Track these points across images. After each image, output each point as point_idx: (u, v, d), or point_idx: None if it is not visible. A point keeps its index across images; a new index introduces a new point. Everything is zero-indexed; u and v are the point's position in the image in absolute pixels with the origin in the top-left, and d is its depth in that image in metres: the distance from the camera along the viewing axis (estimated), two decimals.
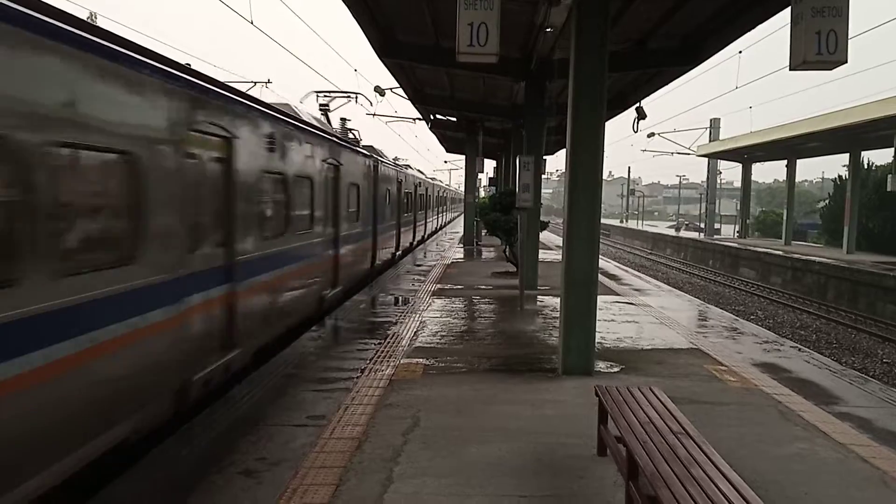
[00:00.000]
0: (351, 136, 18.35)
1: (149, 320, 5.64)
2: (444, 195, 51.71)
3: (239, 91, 8.15)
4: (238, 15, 14.54)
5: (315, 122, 13.08)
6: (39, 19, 4.42)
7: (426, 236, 34.09)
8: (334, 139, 13.24)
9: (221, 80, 7.66)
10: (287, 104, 11.65)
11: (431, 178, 45.77)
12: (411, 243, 27.30)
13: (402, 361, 8.96)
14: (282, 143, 9.39)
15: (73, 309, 4.65)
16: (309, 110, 14.82)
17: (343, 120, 19.93)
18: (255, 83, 35.07)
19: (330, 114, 19.13)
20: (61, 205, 4.59)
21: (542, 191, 20.96)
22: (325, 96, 20.04)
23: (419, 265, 22.26)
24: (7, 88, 4.13)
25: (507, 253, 19.68)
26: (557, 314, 9.50)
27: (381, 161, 19.20)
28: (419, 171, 37.12)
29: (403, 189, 24.09)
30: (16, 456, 4.18)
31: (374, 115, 39.13)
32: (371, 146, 19.98)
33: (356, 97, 20.53)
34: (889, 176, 29.59)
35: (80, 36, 4.83)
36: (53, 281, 4.46)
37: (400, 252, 23.78)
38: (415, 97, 22.01)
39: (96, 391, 4.96)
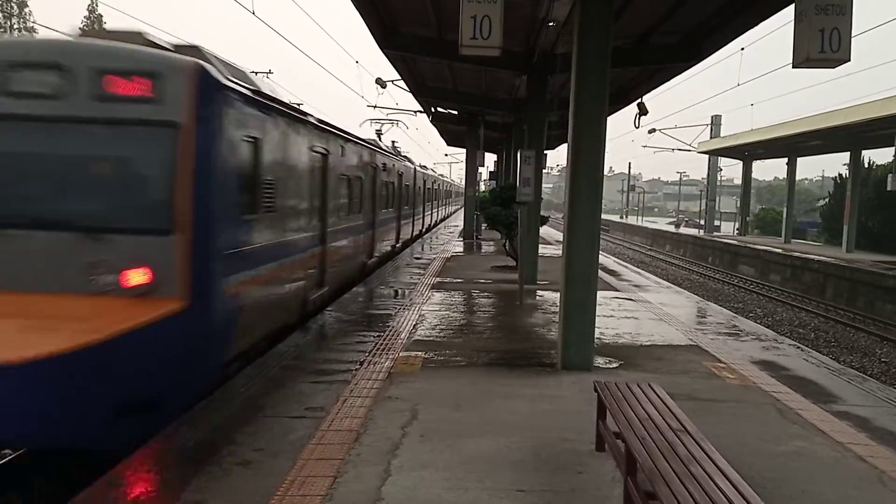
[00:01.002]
0: (393, 148, 24.49)
1: (297, 259, 9.83)
2: (451, 189, 54.64)
3: (328, 122, 12.07)
4: (240, 5, 14.54)
5: (368, 141, 17.43)
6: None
7: (434, 223, 38.68)
8: (379, 150, 17.59)
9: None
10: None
11: (441, 175, 50.84)
12: (421, 231, 30.99)
13: (401, 354, 8.96)
14: (349, 154, 13.52)
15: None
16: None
17: (378, 133, 28.54)
18: (257, 73, 35.12)
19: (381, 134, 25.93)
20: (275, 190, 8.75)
21: (543, 185, 20.97)
22: (377, 122, 31.15)
23: (418, 258, 22.24)
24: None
25: (506, 247, 19.67)
26: (557, 309, 9.50)
27: (410, 165, 25.32)
28: (432, 170, 43.88)
29: (426, 186, 29.63)
30: (258, 317, 8.17)
31: (374, 106, 39.01)
32: (407, 156, 26.43)
33: (397, 123, 28.11)
34: (889, 175, 29.63)
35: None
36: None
37: (416, 233, 28.39)
38: (416, 90, 21.99)
39: (287, 290, 9.47)
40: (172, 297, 6.23)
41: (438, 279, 16.70)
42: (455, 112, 28.36)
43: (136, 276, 6.18)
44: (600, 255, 10.31)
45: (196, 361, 6.61)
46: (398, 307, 12.58)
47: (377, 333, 10.21)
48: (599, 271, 9.58)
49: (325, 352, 9.08)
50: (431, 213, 37.42)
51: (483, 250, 25.99)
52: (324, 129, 11.49)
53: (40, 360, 5.48)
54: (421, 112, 30.05)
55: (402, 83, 21.93)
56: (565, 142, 8.86)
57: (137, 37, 7.01)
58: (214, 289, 6.79)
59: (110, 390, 5.86)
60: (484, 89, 21.49)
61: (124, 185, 6.47)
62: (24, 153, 6.41)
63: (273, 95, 8.92)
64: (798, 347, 10.89)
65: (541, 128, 16.25)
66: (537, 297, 14.37)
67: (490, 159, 46.37)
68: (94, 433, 5.89)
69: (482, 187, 36.01)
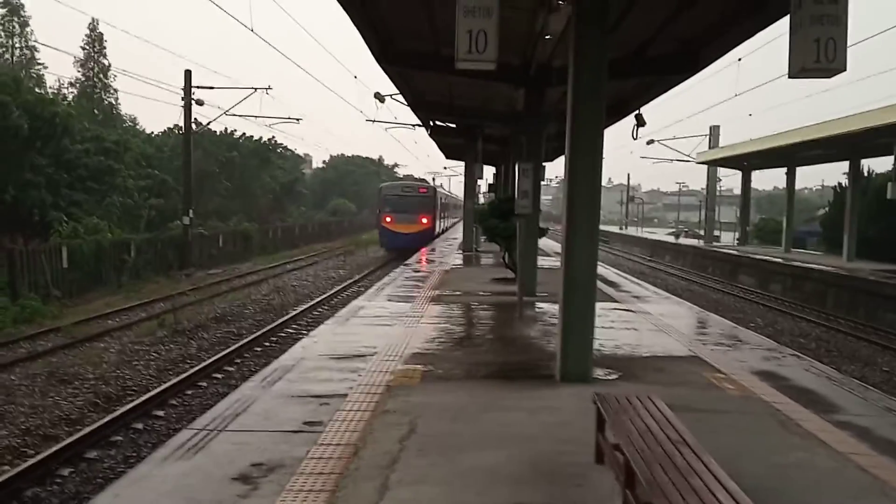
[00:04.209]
0: (438, 185, 55.11)
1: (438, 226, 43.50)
2: (455, 203, 62.40)
3: (438, 186, 49.58)
4: (239, 22, 14.61)
5: (434, 185, 48.75)
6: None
7: (444, 228, 53.66)
8: (438, 190, 45.75)
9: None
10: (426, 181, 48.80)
11: (450, 193, 66.47)
12: (443, 228, 51.53)
13: (399, 367, 8.94)
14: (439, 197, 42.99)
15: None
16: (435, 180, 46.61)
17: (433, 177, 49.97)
18: (256, 89, 35.08)
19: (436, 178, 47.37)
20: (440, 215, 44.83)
21: (542, 197, 21.02)
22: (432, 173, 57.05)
23: (417, 272, 22.25)
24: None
25: (505, 259, 19.66)
26: (556, 321, 9.49)
27: (441, 191, 49.55)
28: (444, 188, 63.72)
29: (443, 202, 49.73)
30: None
31: (373, 121, 39.14)
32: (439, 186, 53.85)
33: (443, 170, 51.36)
34: (889, 183, 29.59)
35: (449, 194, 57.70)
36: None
37: (440, 231, 47.29)
38: (414, 104, 22.04)
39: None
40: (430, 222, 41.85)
41: (437, 292, 16.69)
42: (453, 125, 28.41)
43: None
44: (599, 267, 10.31)
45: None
46: (396, 321, 12.57)
47: (375, 347, 10.19)
48: (599, 282, 9.57)
49: (322, 364, 9.07)
50: (445, 219, 53.76)
51: (482, 263, 25.98)
52: (437, 191, 43.46)
53: None
54: (419, 126, 30.11)
55: (400, 97, 22.00)
56: (563, 153, 8.86)
57: (422, 181, 30.90)
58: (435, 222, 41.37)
59: None
60: (481, 102, 21.53)
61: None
62: None
63: (437, 188, 44.19)
64: (799, 357, 10.87)
65: (539, 140, 16.28)
66: (536, 309, 14.37)
67: (489, 172, 46.44)
68: None
69: (481, 199, 36.09)
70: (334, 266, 37.82)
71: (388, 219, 41.70)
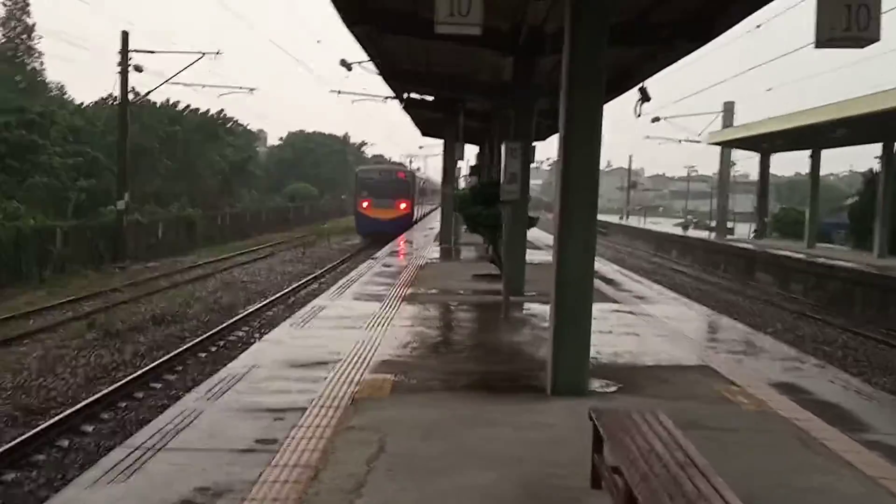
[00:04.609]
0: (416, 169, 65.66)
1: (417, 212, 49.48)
2: (435, 188, 65.20)
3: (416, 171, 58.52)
4: None
5: (412, 170, 57.00)
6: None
7: (422, 215, 57.67)
8: (413, 173, 51.72)
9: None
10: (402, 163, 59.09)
11: (426, 177, 70.84)
12: (420, 216, 55.21)
13: (366, 377, 8.93)
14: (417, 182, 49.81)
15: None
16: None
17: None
18: (204, 54, 34.80)
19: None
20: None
21: (531, 182, 21.02)
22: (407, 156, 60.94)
23: (388, 266, 22.23)
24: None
25: (489, 253, 19.69)
26: (547, 324, 9.51)
27: (419, 176, 57.39)
28: (420, 171, 68.90)
29: (420, 187, 54.96)
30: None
31: (338, 92, 38.98)
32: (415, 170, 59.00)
33: (419, 149, 71.86)
34: None
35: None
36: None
37: (418, 218, 51.69)
38: (386, 72, 21.95)
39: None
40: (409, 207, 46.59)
41: (411, 290, 16.69)
42: (431, 98, 28.36)
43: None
44: (597, 262, 10.34)
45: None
46: (364, 323, 12.55)
47: (339, 353, 10.17)
48: (596, 280, 9.60)
49: (279, 373, 9.03)
50: (422, 206, 57.25)
51: (462, 256, 26.00)
52: (415, 175, 51.54)
53: None
54: (392, 98, 30.03)
55: (370, 65, 21.91)
56: (556, 132, 8.87)
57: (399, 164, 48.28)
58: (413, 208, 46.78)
59: None
60: (464, 72, 21.49)
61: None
62: None
63: (414, 172, 53.08)
64: (823, 367, 10.97)
65: (529, 116, 16.29)
66: (524, 311, 14.38)
67: (471, 152, 46.39)
68: None
69: (462, 184, 36.10)
70: (292, 259, 37.68)
71: (364, 204, 45.49)
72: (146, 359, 15.66)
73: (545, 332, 10.71)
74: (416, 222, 49.06)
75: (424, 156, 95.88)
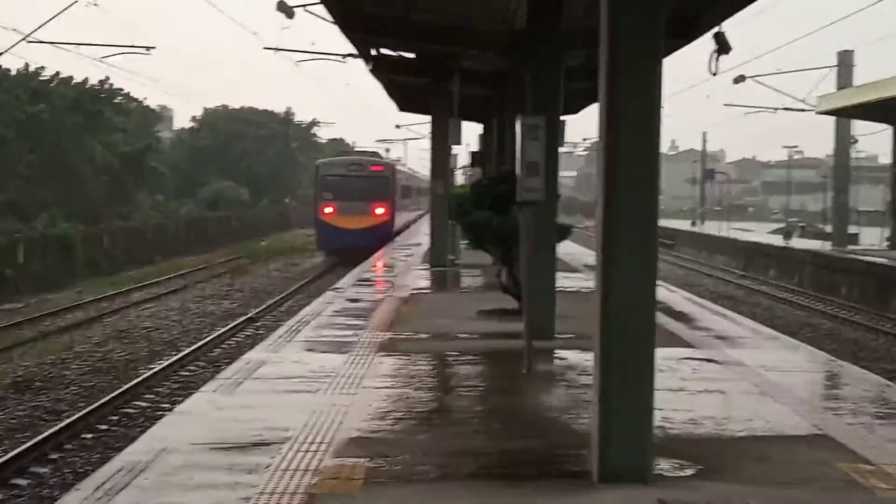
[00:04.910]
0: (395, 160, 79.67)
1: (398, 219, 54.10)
2: (421, 186, 69.43)
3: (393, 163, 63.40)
4: None
5: (388, 160, 64.40)
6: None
7: (407, 224, 62.10)
8: (392, 167, 55.97)
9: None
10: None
11: (413, 171, 77.61)
12: (403, 225, 58.24)
13: (328, 463, 8.90)
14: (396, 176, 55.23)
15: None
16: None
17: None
18: None
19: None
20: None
21: (561, 174, 20.84)
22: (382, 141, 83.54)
23: (356, 300, 22.20)
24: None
25: (502, 278, 19.66)
26: (589, 381, 9.50)
27: (400, 171, 61.32)
28: (401, 163, 76.72)
29: (403, 185, 59.78)
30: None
31: (275, 49, 39.17)
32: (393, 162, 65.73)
33: (395, 129, 71.23)
34: None
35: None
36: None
37: (399, 227, 54.39)
38: (345, 18, 21.97)
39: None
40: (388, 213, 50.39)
41: (389, 335, 16.65)
42: (411, 55, 28.44)
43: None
44: (661, 288, 10.36)
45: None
46: (322, 384, 12.51)
47: (288, 429, 10.15)
48: (661, 314, 9.62)
49: (207, 460, 9.01)
50: (405, 211, 61.57)
51: (463, 284, 26.05)
52: (396, 169, 57.36)
53: None
54: (354, 56, 30.09)
55: (322, 10, 21.99)
56: (594, 101, 8.90)
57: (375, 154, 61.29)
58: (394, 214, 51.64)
59: None
60: (458, 16, 21.58)
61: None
62: None
63: (393, 165, 58.85)
64: None
65: (554, 78, 16.30)
66: (556, 361, 14.38)
67: (472, 133, 46.50)
68: None
69: (459, 179, 36.17)
70: (215, 294, 37.70)
71: (328, 209, 46.65)
72: (4, 443, 15.61)
73: (587, 392, 10.73)
74: (397, 233, 49.89)
75: (403, 139, 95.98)
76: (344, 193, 46.88)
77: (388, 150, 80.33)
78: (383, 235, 45.73)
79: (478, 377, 13.57)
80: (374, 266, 33.06)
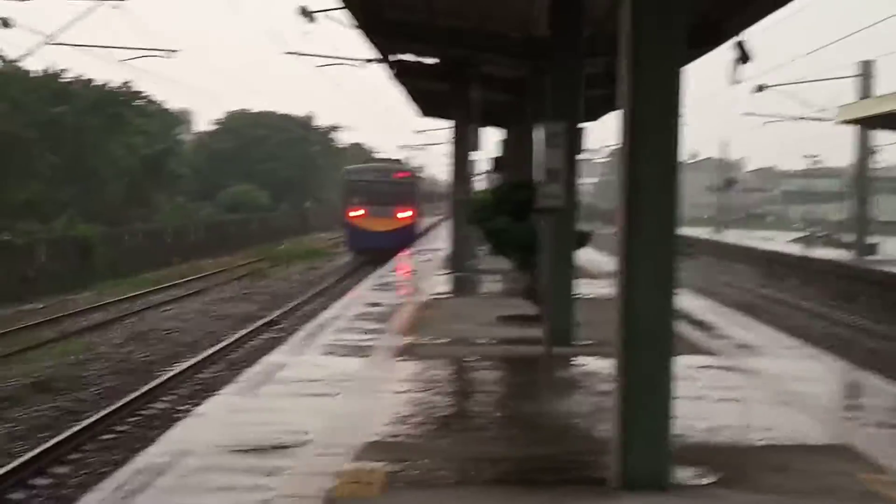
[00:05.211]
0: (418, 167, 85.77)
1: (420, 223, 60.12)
2: (441, 191, 77.99)
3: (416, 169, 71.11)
4: None
5: (412, 167, 71.25)
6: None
7: (427, 229, 65.95)
8: (416, 174, 62.80)
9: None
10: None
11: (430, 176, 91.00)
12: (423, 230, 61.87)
13: (347, 467, 8.92)
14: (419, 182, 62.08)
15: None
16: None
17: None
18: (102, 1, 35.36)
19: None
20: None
21: (581, 180, 20.85)
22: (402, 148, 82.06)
23: (376, 304, 22.23)
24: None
25: (522, 284, 19.68)
26: (609, 387, 9.50)
27: (423, 178, 74.01)
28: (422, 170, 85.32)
29: (422, 189, 64.76)
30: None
31: (297, 54, 39.24)
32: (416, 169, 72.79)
33: (416, 135, 63.59)
34: None
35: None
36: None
37: (420, 225, 58.41)
38: (367, 24, 22.02)
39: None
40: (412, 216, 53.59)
41: (410, 339, 16.68)
42: (433, 61, 28.46)
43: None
44: (680, 296, 10.35)
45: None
46: (341, 388, 12.56)
47: (307, 432, 10.18)
48: (680, 322, 9.62)
49: (221, 462, 9.04)
50: (424, 216, 66.12)
51: (483, 290, 26.02)
52: (419, 176, 64.29)
53: None
54: (376, 61, 30.13)
55: (343, 15, 22.00)
56: (615, 108, 8.90)
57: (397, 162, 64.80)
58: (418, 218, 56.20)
59: None
60: (480, 21, 21.59)
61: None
62: None
63: (416, 172, 64.58)
64: None
65: (574, 84, 16.32)
66: (575, 368, 14.37)
67: (492, 138, 46.56)
68: None
69: (479, 185, 36.17)
70: (235, 296, 37.82)
71: (357, 212, 50.92)
72: (25, 443, 15.67)
73: (607, 399, 10.71)
74: (419, 236, 53.42)
75: (423, 145, 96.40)
76: (371, 198, 50.39)
77: (408, 159, 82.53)
78: (407, 237, 48.66)
79: (497, 383, 13.59)
80: (395, 270, 33.11)
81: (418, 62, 28.41)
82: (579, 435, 10.47)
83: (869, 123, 48.24)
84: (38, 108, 50.10)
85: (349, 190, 52.24)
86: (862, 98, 48.71)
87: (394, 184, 52.23)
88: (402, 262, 36.04)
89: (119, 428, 16.75)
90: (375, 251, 45.55)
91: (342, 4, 20.52)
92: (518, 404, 12.01)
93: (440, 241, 44.64)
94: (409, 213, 51.42)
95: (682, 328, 13.06)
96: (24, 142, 47.08)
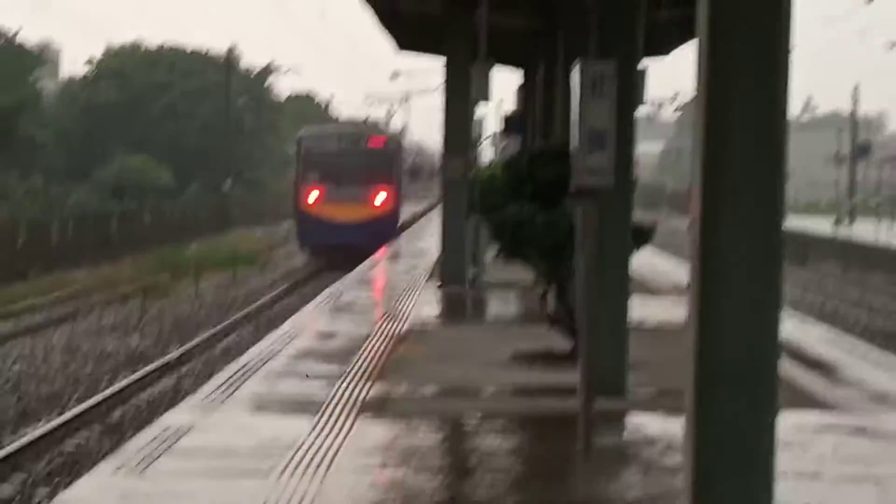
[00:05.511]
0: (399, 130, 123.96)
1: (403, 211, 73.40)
2: (431, 166, 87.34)
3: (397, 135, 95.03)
4: None
5: (391, 131, 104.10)
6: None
7: (412, 219, 70.77)
8: (398, 140, 76.33)
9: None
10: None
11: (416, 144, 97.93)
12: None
13: None
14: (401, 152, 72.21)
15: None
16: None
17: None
18: None
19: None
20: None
21: (640, 148, 20.66)
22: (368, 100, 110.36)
23: (330, 335, 22.23)
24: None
25: (549, 305, 19.65)
26: (677, 461, 9.48)
27: (406, 146, 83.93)
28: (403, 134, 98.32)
29: (411, 164, 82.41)
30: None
31: None
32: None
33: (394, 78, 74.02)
34: None
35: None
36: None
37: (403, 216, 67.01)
38: None
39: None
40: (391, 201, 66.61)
41: (381, 389, 16.69)
42: None
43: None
44: (787, 321, 10.30)
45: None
46: (272, 465, 12.50)
47: None
48: (786, 361, 9.58)
49: None
50: (410, 199, 72.76)
51: (490, 313, 26.13)
52: (400, 145, 72.75)
53: None
54: None
55: None
56: (688, 38, 8.85)
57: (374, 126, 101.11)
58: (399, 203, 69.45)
59: None
60: None
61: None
62: None
63: (396, 138, 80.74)
64: None
65: (632, 4, 16.34)
66: (627, 433, 14.40)
67: (507, 86, 46.73)
68: None
69: (484, 154, 36.30)
70: (118, 325, 37.96)
71: (313, 195, 51.75)
72: None
73: (676, 481, 10.67)
74: (402, 229, 54.35)
75: (403, 96, 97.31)
76: (335, 174, 50.89)
77: (390, 117, 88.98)
78: (384, 232, 48.59)
79: (511, 455, 13.58)
80: (360, 282, 33.17)
81: None
82: None
83: None
84: None
85: (304, 163, 52.31)
86: None
87: (366, 155, 52.58)
88: (374, 270, 36.16)
89: None
90: (338, 250, 45.98)
91: None
92: (541, 489, 11.97)
93: (429, 237, 44.78)
94: (387, 196, 51.98)
95: (789, 370, 13.10)
96: None
